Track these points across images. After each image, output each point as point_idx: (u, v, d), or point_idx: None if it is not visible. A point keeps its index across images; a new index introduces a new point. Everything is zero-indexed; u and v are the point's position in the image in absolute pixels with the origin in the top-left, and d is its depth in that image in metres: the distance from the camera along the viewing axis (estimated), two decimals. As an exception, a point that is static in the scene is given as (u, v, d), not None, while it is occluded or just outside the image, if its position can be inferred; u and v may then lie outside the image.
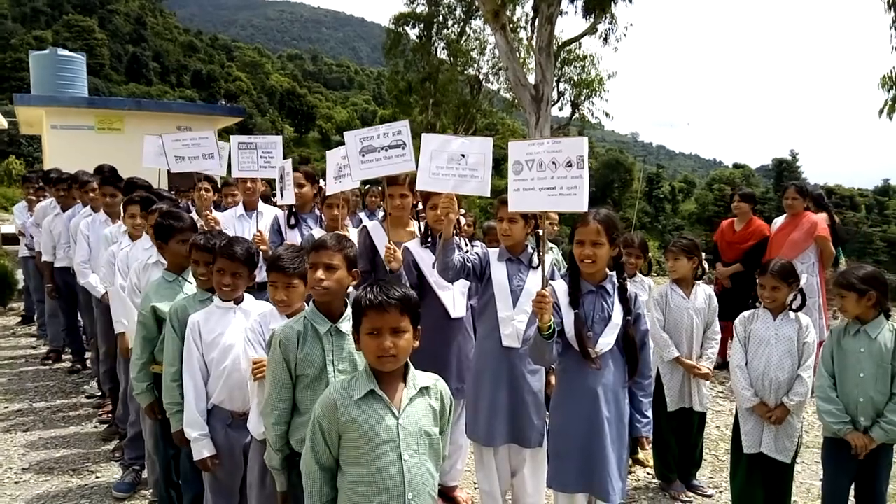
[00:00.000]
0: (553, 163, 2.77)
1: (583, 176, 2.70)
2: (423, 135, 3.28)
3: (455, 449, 3.89)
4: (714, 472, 4.45)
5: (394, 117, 26.23)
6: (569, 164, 2.74)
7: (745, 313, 3.62)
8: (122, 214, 4.46)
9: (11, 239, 10.25)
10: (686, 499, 4.06)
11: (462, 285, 3.77)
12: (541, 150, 2.80)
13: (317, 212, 4.78)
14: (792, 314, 3.49)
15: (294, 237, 4.52)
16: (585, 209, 2.73)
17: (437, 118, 25.01)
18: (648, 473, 4.39)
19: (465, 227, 6.94)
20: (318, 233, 4.32)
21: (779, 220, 6.60)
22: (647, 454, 4.43)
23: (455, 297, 3.78)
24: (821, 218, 6.23)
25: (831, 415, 3.22)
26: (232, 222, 4.93)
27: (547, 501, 3.46)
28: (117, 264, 4.08)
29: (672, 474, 4.14)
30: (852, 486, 3.36)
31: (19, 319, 8.89)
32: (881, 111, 15.41)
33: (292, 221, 4.64)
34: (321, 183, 4.87)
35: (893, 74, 15.03)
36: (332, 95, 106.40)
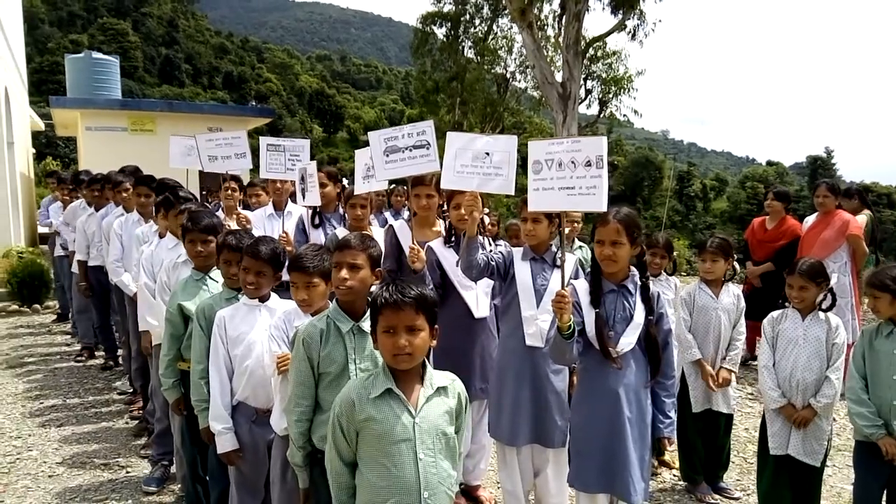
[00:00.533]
0: (572, 162, 2.76)
1: (602, 176, 2.69)
2: (448, 133, 3.29)
3: (478, 448, 3.89)
4: (742, 475, 4.38)
5: (421, 117, 26.32)
6: (588, 164, 2.72)
7: (774, 313, 3.57)
8: (153, 214, 4.54)
9: (46, 238, 10.53)
10: (712, 501, 4.01)
11: (485, 285, 3.77)
12: (560, 150, 2.80)
13: (340, 211, 4.82)
14: (822, 314, 3.43)
15: (318, 237, 4.57)
16: (604, 209, 2.71)
17: (464, 117, 25.04)
18: (675, 475, 4.34)
19: (490, 227, 6.94)
20: (341, 232, 4.35)
21: (810, 219, 6.47)
22: (673, 455, 4.39)
23: (478, 297, 3.78)
24: (853, 217, 6.10)
25: (863, 417, 3.14)
26: (262, 222, 5.00)
27: (570, 502, 3.45)
28: (142, 263, 4.17)
29: (698, 476, 4.09)
30: (884, 492, 3.28)
31: (55, 317, 9.13)
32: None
33: (316, 221, 4.69)
34: (344, 182, 4.91)
35: (933, 68, 14.58)
36: (361, 95, 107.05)
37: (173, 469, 4.08)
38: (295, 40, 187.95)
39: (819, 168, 51.91)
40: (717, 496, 4.05)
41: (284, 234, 4.36)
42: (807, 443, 3.41)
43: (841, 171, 57.18)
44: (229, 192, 4.92)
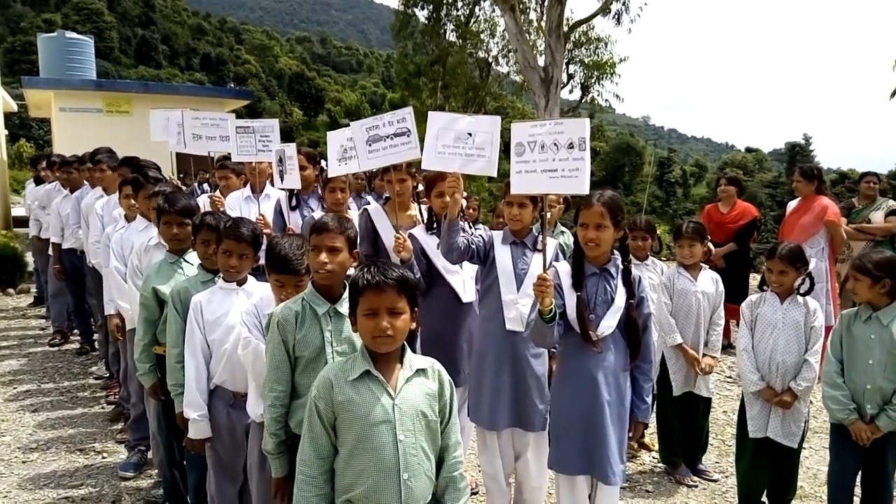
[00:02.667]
0: (555, 144, 2.73)
1: (584, 158, 2.66)
2: (430, 113, 3.24)
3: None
4: (720, 457, 4.43)
5: (402, 100, 26.14)
6: (570, 146, 2.69)
7: (753, 297, 3.59)
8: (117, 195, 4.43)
9: (23, 221, 10.34)
10: (691, 483, 4.05)
11: (471, 270, 3.74)
12: (542, 132, 2.76)
13: (318, 193, 4.76)
14: (800, 298, 3.45)
15: (296, 219, 4.51)
16: (587, 191, 2.69)
17: (446, 101, 24.86)
18: (654, 457, 4.38)
19: (470, 211, 6.91)
20: (318, 215, 4.30)
21: (792, 204, 6.56)
22: (652, 438, 4.42)
23: (465, 282, 3.76)
24: (832, 203, 6.17)
25: (837, 402, 3.17)
26: (238, 204, 4.92)
27: (550, 484, 3.46)
28: (112, 246, 4.08)
29: (677, 459, 4.13)
30: (858, 474, 3.33)
31: (31, 301, 8.98)
32: (893, 94, 15.22)
33: (293, 203, 4.63)
34: (323, 164, 4.85)
35: (908, 56, 14.78)
36: (341, 79, 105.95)
37: (150, 454, 4.03)
38: (274, 21, 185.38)
39: (797, 155, 52.33)
40: (695, 478, 4.10)
41: (262, 217, 4.29)
42: (785, 425, 3.45)
43: (819, 158, 57.78)
44: (226, 181, 4.92)
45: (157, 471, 3.78)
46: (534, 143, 2.80)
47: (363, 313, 1.98)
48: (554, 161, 2.73)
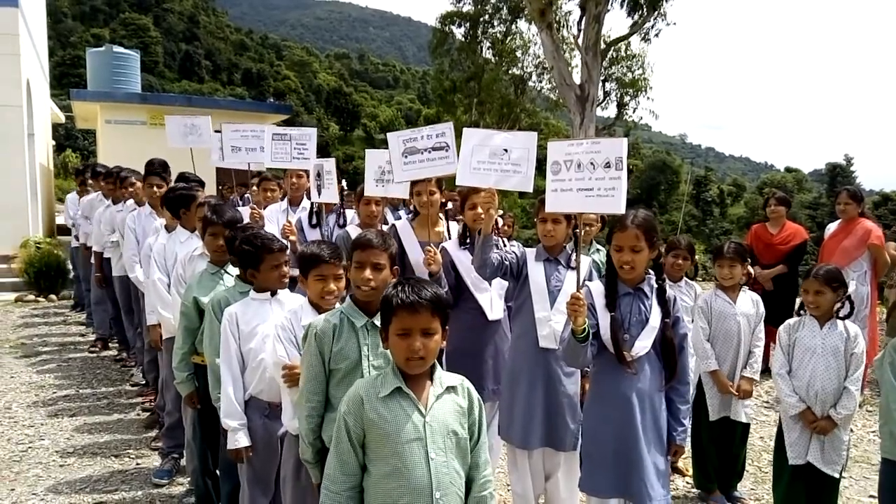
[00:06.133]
0: (591, 164, 2.72)
1: (621, 177, 2.65)
2: (465, 129, 3.27)
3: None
4: (756, 484, 4.32)
5: (438, 116, 26.32)
6: (607, 166, 2.68)
7: (791, 320, 3.50)
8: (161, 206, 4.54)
9: (67, 230, 10.65)
10: (725, 510, 3.95)
11: (499, 287, 3.74)
12: (579, 151, 2.76)
13: (338, 210, 4.82)
14: (840, 323, 3.36)
15: (314, 236, 4.57)
16: (622, 211, 2.67)
17: (480, 118, 25.01)
18: (688, 482, 4.29)
19: (504, 228, 6.91)
20: (353, 231, 4.34)
21: (832, 226, 6.40)
22: (686, 463, 4.33)
23: (493, 299, 3.75)
24: (875, 226, 6.02)
25: None
26: (276, 216, 5.01)
27: (580, 506, 3.41)
28: (153, 257, 4.17)
29: (712, 485, 4.03)
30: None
31: (72, 305, 9.22)
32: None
33: (314, 221, 4.69)
34: (343, 184, 4.93)
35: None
36: (378, 94, 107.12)
37: (183, 462, 4.09)
38: (314, 38, 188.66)
39: (838, 175, 51.12)
40: (730, 505, 4.00)
41: (289, 224, 4.35)
42: (826, 453, 3.35)
43: (860, 179, 56.28)
44: (267, 193, 5.01)
45: (189, 479, 3.82)
46: (570, 162, 2.79)
47: (396, 332, 1.98)
48: (590, 180, 2.72)
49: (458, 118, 24.60)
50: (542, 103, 27.15)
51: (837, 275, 3.37)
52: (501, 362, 3.69)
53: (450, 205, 4.70)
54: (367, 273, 2.41)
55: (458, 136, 3.36)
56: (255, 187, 5.13)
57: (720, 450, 4.00)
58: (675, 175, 56.86)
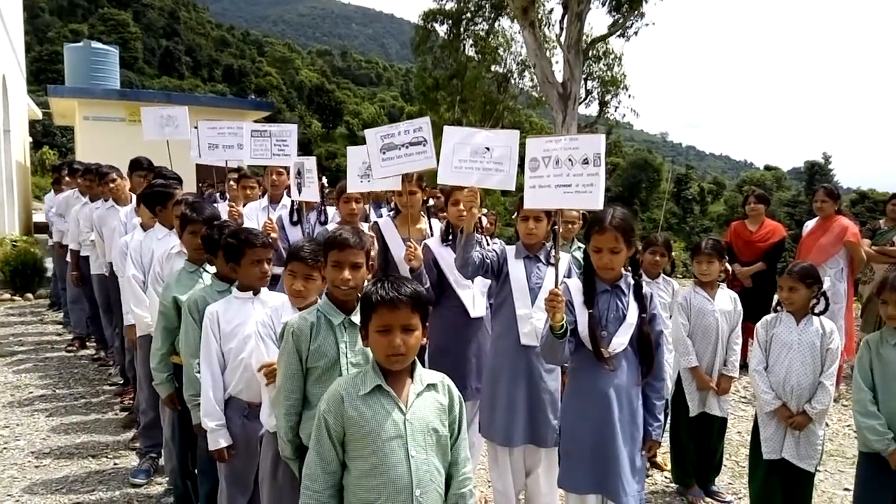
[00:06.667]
0: (570, 160, 2.74)
1: (599, 174, 2.67)
2: (445, 127, 3.25)
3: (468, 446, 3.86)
4: (734, 478, 4.37)
5: (421, 114, 26.19)
6: (585, 162, 2.70)
7: (768, 317, 3.54)
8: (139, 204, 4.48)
9: (44, 227, 10.50)
10: (703, 504, 3.99)
11: (482, 284, 3.74)
12: (558, 147, 2.77)
13: (318, 208, 4.80)
14: (815, 319, 3.40)
15: (296, 235, 4.54)
16: (601, 207, 2.69)
17: (463, 115, 25.03)
18: (666, 477, 4.33)
19: (488, 226, 6.91)
20: (334, 228, 4.31)
21: (809, 224, 6.48)
22: (665, 458, 4.37)
23: (475, 296, 3.76)
24: (851, 223, 6.10)
25: (874, 431, 3.02)
26: (255, 214, 4.98)
27: (560, 501, 3.42)
28: (130, 254, 4.12)
29: (690, 479, 4.08)
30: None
31: (48, 304, 9.09)
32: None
33: (295, 219, 4.66)
34: (323, 181, 4.90)
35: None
36: (361, 91, 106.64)
37: (161, 461, 4.05)
38: (296, 35, 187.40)
39: (817, 173, 51.80)
40: (708, 499, 4.04)
41: (270, 222, 4.32)
42: (801, 447, 3.39)
43: (838, 177, 57.04)
44: (246, 190, 4.95)
45: (167, 478, 3.79)
46: (548, 159, 2.80)
47: (376, 329, 1.98)
48: (568, 176, 2.74)
49: (441, 116, 24.60)
50: (525, 101, 27.23)
51: (812, 271, 3.41)
52: (484, 360, 3.70)
53: (432, 202, 4.70)
54: (346, 273, 2.40)
55: (441, 133, 3.35)
56: (233, 184, 5.07)
57: (698, 445, 4.04)
58: (656, 173, 57.30)
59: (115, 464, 4.31)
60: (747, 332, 4.63)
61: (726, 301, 4.01)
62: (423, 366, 3.70)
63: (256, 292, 3.02)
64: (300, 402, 2.41)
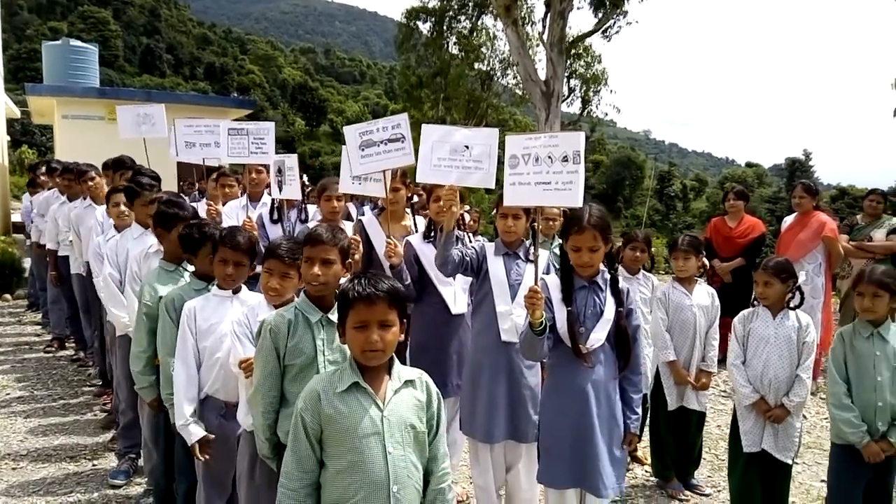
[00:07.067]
0: (549, 157, 2.75)
1: (578, 171, 2.69)
2: (424, 126, 3.26)
3: (450, 444, 3.85)
4: (713, 472, 4.41)
5: (404, 112, 26.24)
6: (565, 159, 2.71)
7: (745, 311, 3.58)
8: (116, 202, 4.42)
9: (22, 227, 10.36)
10: (683, 497, 4.03)
11: (463, 281, 3.75)
12: (537, 145, 2.79)
13: (299, 206, 4.78)
14: (791, 313, 3.45)
15: (276, 233, 4.52)
16: (580, 204, 2.71)
17: (447, 113, 25.02)
18: (646, 471, 4.36)
19: (471, 223, 6.92)
20: (301, 228, 4.32)
21: (788, 219, 6.56)
22: (645, 452, 4.40)
23: (456, 293, 3.76)
24: (829, 219, 6.18)
25: (849, 424, 3.08)
26: (236, 212, 4.93)
27: (541, 497, 3.44)
28: (106, 253, 4.07)
29: (669, 472, 4.12)
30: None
31: (27, 305, 8.97)
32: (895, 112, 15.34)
33: (275, 217, 4.64)
34: (304, 179, 4.88)
35: (908, 74, 14.91)
36: (344, 89, 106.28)
37: (141, 462, 4.01)
38: (279, 32, 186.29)
39: (797, 170, 52.38)
40: (688, 492, 4.08)
41: (249, 220, 4.30)
42: (779, 440, 3.43)
43: (819, 174, 57.83)
44: (225, 189, 4.91)
45: (146, 479, 3.76)
46: (528, 156, 2.82)
47: (353, 326, 1.98)
48: (548, 174, 2.76)
49: (425, 114, 24.58)
50: (509, 99, 27.27)
51: (786, 266, 3.46)
52: (465, 357, 3.70)
53: (416, 199, 4.69)
54: (316, 269, 2.41)
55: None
56: (213, 182, 5.03)
57: (677, 438, 4.08)
58: (639, 170, 57.67)
59: (93, 465, 4.26)
60: (726, 328, 4.68)
61: (704, 296, 4.05)
62: (405, 363, 3.71)
63: (236, 291, 3.01)
64: (278, 400, 2.40)
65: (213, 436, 2.88)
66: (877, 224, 6.62)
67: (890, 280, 3.12)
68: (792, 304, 3.45)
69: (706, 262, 4.21)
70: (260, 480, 2.57)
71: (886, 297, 3.12)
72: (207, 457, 2.87)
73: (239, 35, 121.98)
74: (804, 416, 5.29)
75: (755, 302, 3.55)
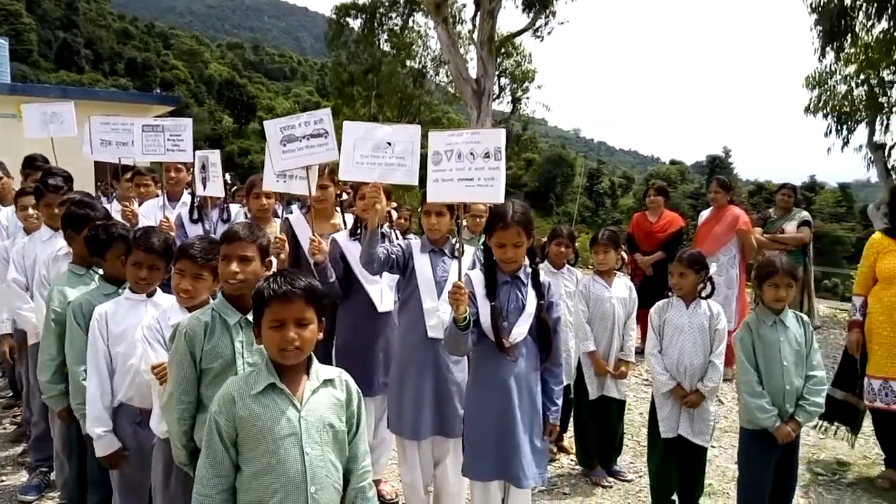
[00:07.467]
0: (471, 154, 2.79)
1: (500, 167, 2.73)
2: (346, 123, 3.23)
3: (379, 443, 3.87)
4: (635, 458, 4.56)
5: (336, 110, 25.94)
6: (486, 156, 2.75)
7: (660, 302, 3.73)
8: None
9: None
10: (607, 484, 4.15)
11: (389, 279, 3.74)
12: (460, 141, 2.81)
13: (221, 206, 4.67)
14: (703, 302, 3.61)
15: (197, 233, 4.40)
16: (502, 200, 2.75)
17: (380, 111, 24.85)
18: (572, 460, 4.47)
19: (402, 221, 6.90)
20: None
21: (704, 213, 6.83)
22: (571, 441, 4.51)
23: (383, 291, 3.75)
24: (742, 212, 6.48)
25: (763, 410, 3.21)
26: (154, 213, 4.76)
27: (468, 491, 3.47)
28: (12, 257, 3.86)
29: (593, 460, 4.23)
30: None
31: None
32: (806, 109, 16.26)
33: (195, 216, 4.51)
34: (227, 177, 4.78)
35: (816, 75, 15.83)
36: (274, 86, 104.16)
37: (52, 475, 3.83)
38: (205, 27, 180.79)
39: (717, 167, 54.49)
40: (611, 479, 4.20)
41: (166, 220, 4.17)
42: (695, 424, 3.58)
43: (738, 170, 60.41)
44: (140, 188, 4.72)
45: (59, 493, 3.59)
46: (450, 152, 2.84)
47: (269, 325, 1.95)
48: (470, 170, 2.79)
49: (357, 111, 24.36)
50: (442, 97, 27.34)
51: (699, 258, 3.63)
52: (392, 355, 3.70)
53: (345, 196, 4.65)
54: (234, 266, 2.36)
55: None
56: (126, 182, 4.82)
57: (599, 427, 4.20)
58: (570, 168, 58.88)
59: (1, 480, 4.04)
60: (645, 319, 4.85)
61: (623, 289, 4.19)
62: (331, 361, 3.67)
63: (150, 294, 2.90)
64: (194, 406, 2.34)
65: (127, 451, 2.80)
66: (788, 217, 7.01)
67: (796, 271, 3.32)
68: (703, 294, 3.61)
69: (625, 255, 4.35)
70: (175, 489, 2.50)
71: (794, 286, 3.32)
72: (121, 466, 2.77)
73: (162, 29, 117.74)
74: (721, 402, 5.55)
75: (669, 293, 3.70)
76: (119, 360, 2.80)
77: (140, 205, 4.78)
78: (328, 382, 2.05)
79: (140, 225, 3.95)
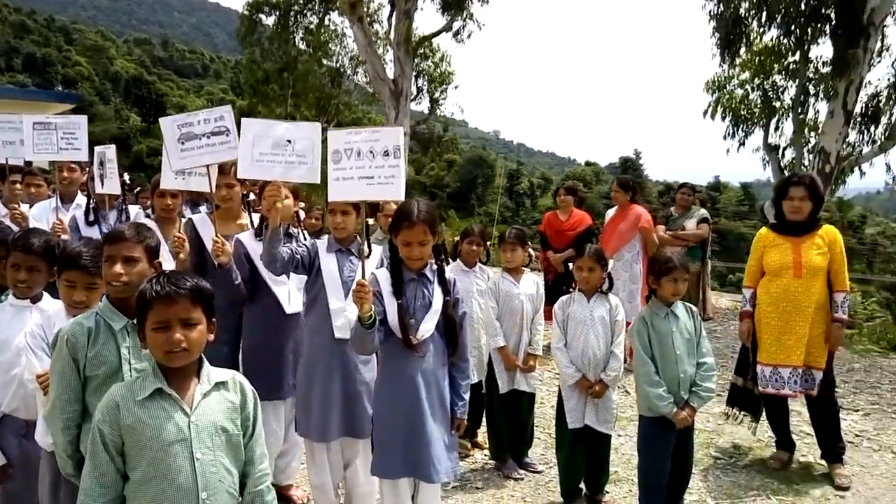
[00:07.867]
0: (371, 152, 2.80)
1: (399, 165, 2.76)
2: (243, 120, 3.16)
3: (290, 447, 3.81)
4: (546, 450, 4.67)
5: (251, 108, 25.28)
6: (386, 154, 2.76)
7: (563, 298, 3.85)
8: None
9: None
10: (518, 476, 4.23)
11: (298, 280, 3.68)
12: (359, 140, 2.82)
13: (120, 207, 4.49)
14: (603, 296, 3.76)
15: (93, 236, 4.21)
16: (402, 198, 2.77)
17: (296, 110, 24.39)
18: (485, 455, 4.53)
19: (312, 221, 6.79)
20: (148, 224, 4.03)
21: (610, 212, 7.09)
22: (485, 437, 4.58)
23: (290, 292, 3.68)
24: (644, 211, 6.77)
25: (661, 399, 3.33)
26: (46, 215, 4.50)
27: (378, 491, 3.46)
28: None
29: (505, 454, 4.30)
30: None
31: None
32: (705, 112, 17.19)
33: (91, 218, 4.31)
34: (125, 177, 4.59)
35: (715, 79, 16.73)
36: (185, 83, 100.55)
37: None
38: (109, 22, 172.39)
39: (629, 168, 56.73)
40: (522, 471, 4.28)
41: (59, 222, 3.96)
42: (600, 413, 3.71)
43: (648, 171, 63.00)
44: (32, 189, 4.44)
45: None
46: (350, 151, 2.84)
47: (153, 327, 1.89)
48: (370, 168, 2.80)
49: (273, 110, 23.83)
50: (360, 97, 27.12)
51: (603, 254, 3.79)
52: (301, 356, 3.64)
53: (252, 196, 4.53)
54: (118, 267, 2.27)
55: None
56: (11, 184, 4.53)
57: (511, 420, 4.28)
58: (490, 169, 59.82)
59: None
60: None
61: (530, 285, 4.29)
62: (237, 365, 3.57)
63: (36, 300, 2.75)
64: (79, 415, 2.23)
65: (12, 466, 2.65)
66: (688, 215, 7.40)
67: (688, 265, 3.52)
68: (604, 288, 3.75)
69: (532, 252, 4.45)
70: (64, 502, 2.37)
71: (687, 279, 3.50)
72: (6, 483, 2.61)
73: (64, 24, 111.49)
74: (627, 392, 5.76)
75: (571, 288, 3.82)
76: (2, 370, 2.64)
77: (31, 207, 4.51)
78: (220, 385, 1.99)
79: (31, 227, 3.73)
